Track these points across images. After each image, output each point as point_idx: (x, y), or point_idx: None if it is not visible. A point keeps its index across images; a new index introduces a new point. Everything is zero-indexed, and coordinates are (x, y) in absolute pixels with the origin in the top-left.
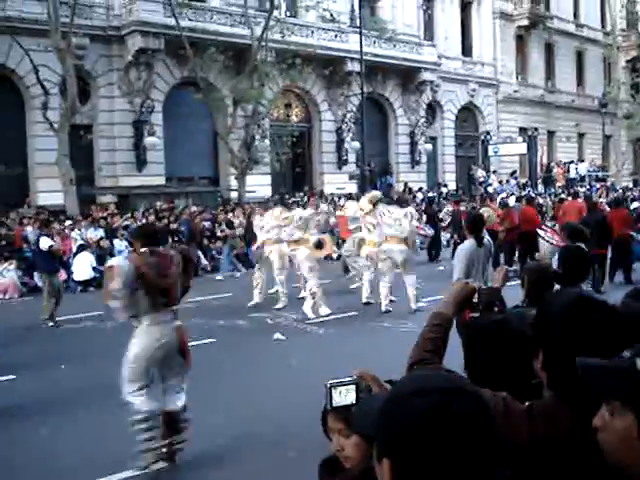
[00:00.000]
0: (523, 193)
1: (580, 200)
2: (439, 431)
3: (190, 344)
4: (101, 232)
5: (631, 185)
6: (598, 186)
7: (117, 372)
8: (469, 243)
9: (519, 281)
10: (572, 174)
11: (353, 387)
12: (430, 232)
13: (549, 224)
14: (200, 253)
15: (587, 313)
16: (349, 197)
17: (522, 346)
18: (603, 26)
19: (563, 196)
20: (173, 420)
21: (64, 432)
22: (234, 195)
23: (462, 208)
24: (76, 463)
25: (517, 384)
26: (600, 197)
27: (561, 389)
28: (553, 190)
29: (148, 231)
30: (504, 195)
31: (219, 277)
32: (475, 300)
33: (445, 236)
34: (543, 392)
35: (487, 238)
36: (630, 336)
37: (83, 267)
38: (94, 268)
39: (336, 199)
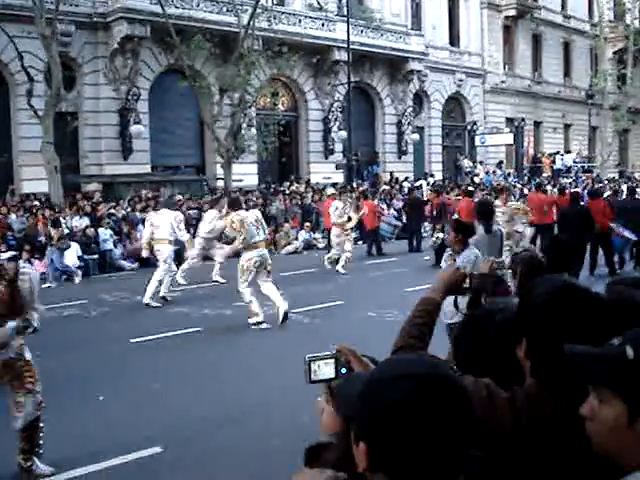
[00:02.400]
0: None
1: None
2: (416, 418)
3: (175, 333)
4: (86, 220)
5: (617, 176)
6: (584, 177)
7: (97, 361)
8: (477, 230)
9: (504, 271)
10: (558, 165)
11: (332, 361)
12: (397, 222)
13: None
14: None
15: (570, 300)
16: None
17: (508, 336)
18: (590, 17)
19: (548, 187)
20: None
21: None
22: (220, 184)
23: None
24: (57, 452)
25: (504, 374)
26: (585, 188)
27: (544, 376)
28: (538, 181)
29: None
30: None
31: (47, 285)
32: (466, 286)
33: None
34: (526, 379)
35: (498, 227)
36: (617, 323)
37: (71, 256)
38: (79, 257)
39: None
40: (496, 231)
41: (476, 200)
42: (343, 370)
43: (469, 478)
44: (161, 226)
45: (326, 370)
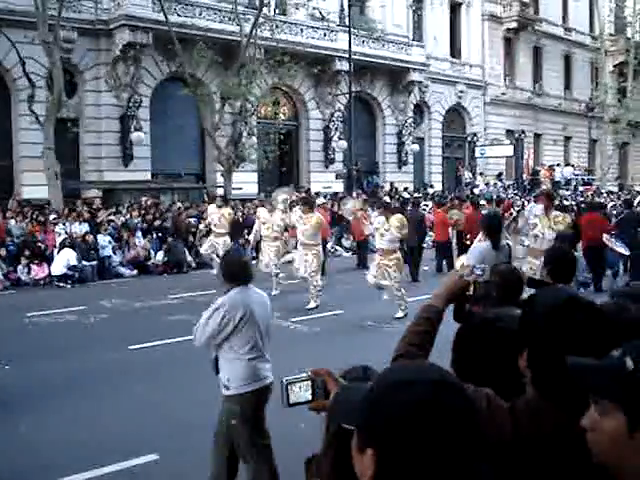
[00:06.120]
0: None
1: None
2: (427, 423)
3: (173, 340)
4: (86, 227)
5: (616, 189)
6: (583, 189)
7: (95, 368)
8: (484, 244)
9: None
10: (557, 177)
11: (309, 383)
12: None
13: None
14: (185, 249)
15: (573, 313)
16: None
17: (508, 345)
18: (591, 30)
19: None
20: None
21: (43, 426)
22: (220, 192)
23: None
24: (55, 457)
25: (506, 383)
26: (583, 201)
27: (545, 387)
28: (535, 193)
29: None
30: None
31: None
32: (470, 293)
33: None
34: (526, 389)
35: (506, 242)
36: (619, 337)
37: (60, 263)
38: (73, 266)
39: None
40: (504, 247)
41: (483, 213)
42: (318, 392)
43: None
44: None
45: (303, 393)
